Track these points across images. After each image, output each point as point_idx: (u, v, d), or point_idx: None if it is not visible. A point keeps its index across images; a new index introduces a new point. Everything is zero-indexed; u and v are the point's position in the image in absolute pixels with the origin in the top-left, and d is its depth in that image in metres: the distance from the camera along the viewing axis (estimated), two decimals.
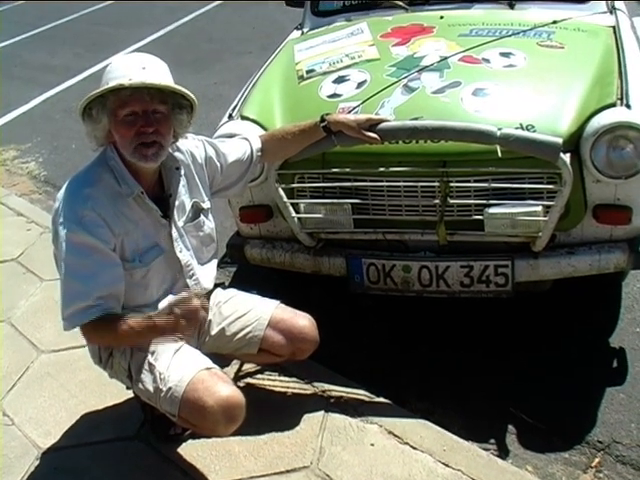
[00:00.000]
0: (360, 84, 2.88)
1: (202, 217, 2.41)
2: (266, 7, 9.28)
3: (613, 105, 2.52)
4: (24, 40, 10.47)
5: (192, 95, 2.18)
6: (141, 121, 2.08)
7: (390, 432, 2.45)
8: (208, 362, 2.23)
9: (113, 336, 2.13)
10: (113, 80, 2.05)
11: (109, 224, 2.12)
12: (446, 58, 2.89)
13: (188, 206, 2.35)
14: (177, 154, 2.33)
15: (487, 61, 2.88)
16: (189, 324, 2.08)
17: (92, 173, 2.19)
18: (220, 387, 2.12)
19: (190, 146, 2.41)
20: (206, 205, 2.43)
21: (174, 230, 2.29)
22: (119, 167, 2.16)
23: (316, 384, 2.71)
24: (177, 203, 2.30)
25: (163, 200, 2.28)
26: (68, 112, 6.53)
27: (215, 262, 2.50)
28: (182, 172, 2.32)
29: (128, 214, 2.18)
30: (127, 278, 2.19)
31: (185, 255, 2.33)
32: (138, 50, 7.68)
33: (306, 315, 2.49)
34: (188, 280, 2.34)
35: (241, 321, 2.45)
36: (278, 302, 2.52)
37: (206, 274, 2.43)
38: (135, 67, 2.08)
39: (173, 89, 2.12)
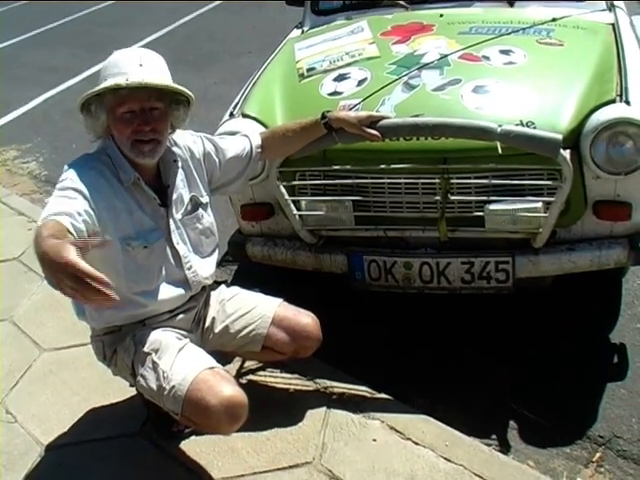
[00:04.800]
0: (361, 82, 2.89)
1: (201, 210, 2.41)
2: (265, 7, 9.28)
3: (613, 101, 2.52)
4: (24, 41, 10.49)
5: (189, 92, 2.20)
6: (138, 119, 2.10)
7: (392, 428, 2.46)
8: (211, 361, 2.23)
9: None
10: (111, 77, 2.07)
11: (111, 197, 2.13)
12: (446, 56, 2.90)
13: (186, 199, 2.36)
14: (175, 149, 2.35)
15: (487, 58, 2.89)
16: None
17: (94, 157, 2.20)
18: (223, 387, 2.12)
19: (188, 142, 2.42)
20: (205, 200, 2.43)
21: (171, 222, 2.30)
22: (117, 156, 2.18)
23: (318, 381, 2.72)
24: (175, 196, 2.31)
25: (161, 191, 2.29)
26: (68, 112, 6.53)
27: (215, 256, 2.51)
28: (180, 164, 2.33)
29: (129, 198, 2.19)
30: (132, 260, 2.19)
31: (182, 247, 2.33)
32: None
33: (309, 313, 2.50)
34: (187, 272, 2.35)
35: (245, 319, 2.46)
36: (281, 300, 2.53)
37: (205, 267, 2.43)
38: (132, 64, 2.09)
39: (171, 88, 2.14)
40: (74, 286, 1.58)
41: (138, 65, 2.09)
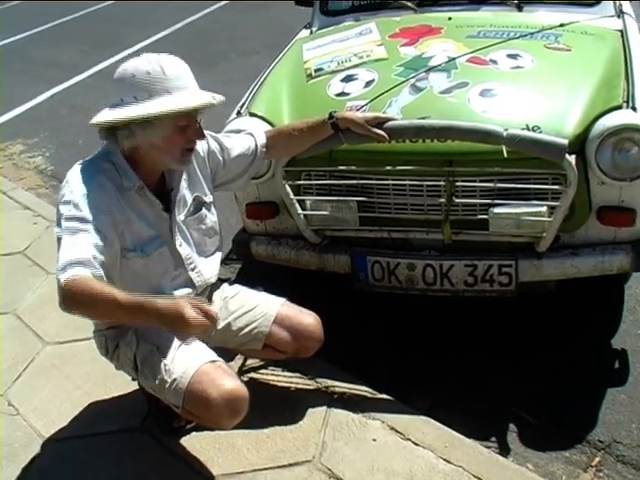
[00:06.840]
0: (368, 83, 2.90)
1: (204, 210, 2.42)
2: (272, 7, 9.30)
3: (619, 107, 2.54)
4: (30, 37, 10.52)
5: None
6: (192, 131, 2.16)
7: (392, 428, 2.47)
8: (213, 355, 2.24)
9: (94, 300, 1.89)
10: (175, 90, 2.09)
11: (112, 211, 2.11)
12: (454, 59, 2.91)
13: (189, 200, 2.36)
14: None
15: (494, 62, 2.90)
16: (198, 323, 1.89)
17: (96, 163, 2.18)
18: (224, 380, 2.14)
19: None
20: (208, 199, 2.44)
21: (174, 224, 2.30)
22: (120, 161, 2.17)
23: (319, 380, 2.72)
24: (178, 197, 2.31)
25: (165, 194, 2.30)
26: (75, 108, 6.56)
27: (219, 255, 2.51)
28: None
29: (131, 205, 2.19)
30: (128, 268, 2.19)
31: (185, 249, 2.34)
32: (145, 49, 7.72)
33: (311, 313, 2.51)
34: (190, 273, 2.35)
35: (247, 316, 2.47)
36: (284, 299, 2.54)
37: (209, 266, 2.44)
38: (188, 78, 2.17)
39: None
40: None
41: (193, 79, 2.18)
